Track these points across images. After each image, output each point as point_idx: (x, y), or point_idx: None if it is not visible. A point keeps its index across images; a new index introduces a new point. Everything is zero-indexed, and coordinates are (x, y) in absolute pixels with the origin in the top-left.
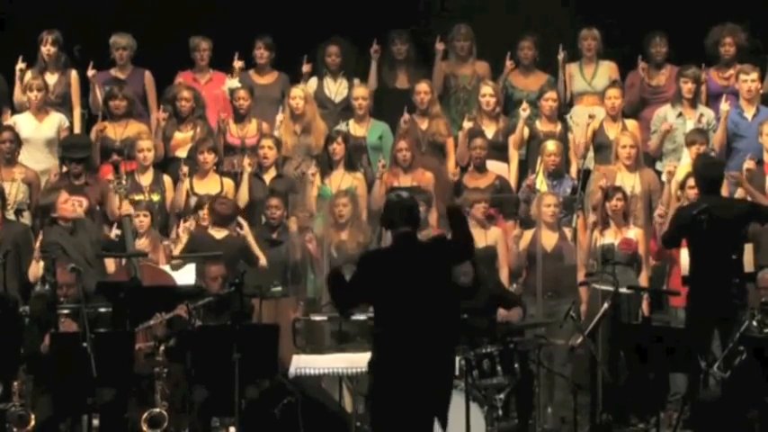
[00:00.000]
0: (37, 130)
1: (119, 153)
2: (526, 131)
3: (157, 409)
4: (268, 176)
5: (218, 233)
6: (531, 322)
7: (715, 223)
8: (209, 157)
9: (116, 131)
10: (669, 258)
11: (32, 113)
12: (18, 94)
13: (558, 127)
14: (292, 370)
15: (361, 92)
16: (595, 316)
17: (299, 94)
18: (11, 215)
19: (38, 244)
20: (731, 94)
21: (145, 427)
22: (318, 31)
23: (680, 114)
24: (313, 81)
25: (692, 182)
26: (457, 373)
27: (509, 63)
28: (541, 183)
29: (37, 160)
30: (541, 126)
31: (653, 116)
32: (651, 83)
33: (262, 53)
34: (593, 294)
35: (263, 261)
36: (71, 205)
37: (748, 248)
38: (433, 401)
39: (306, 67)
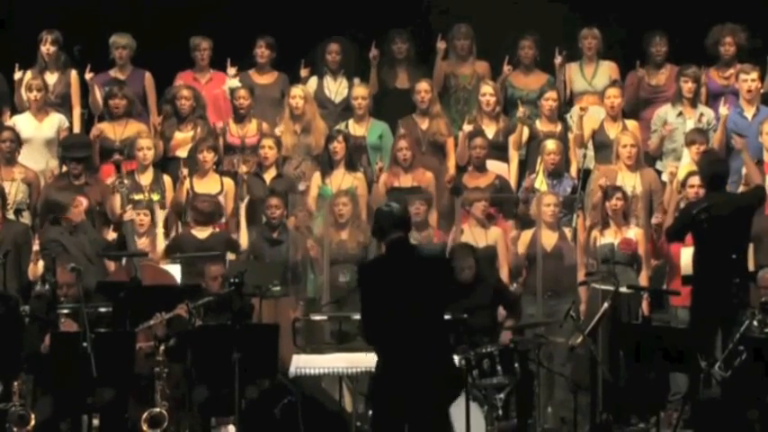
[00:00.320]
0: (37, 130)
1: (119, 153)
2: (526, 131)
3: (157, 409)
4: (268, 176)
5: (201, 232)
6: (531, 322)
7: (717, 222)
8: (208, 157)
9: (116, 131)
10: (667, 257)
11: (32, 114)
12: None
13: (558, 127)
14: (292, 370)
15: (361, 91)
16: (595, 316)
17: (299, 93)
18: (11, 215)
19: (36, 243)
20: (731, 94)
21: (145, 427)
22: (318, 31)
23: (680, 114)
24: (313, 81)
25: (692, 180)
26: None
27: (507, 68)
28: (541, 182)
29: (36, 160)
30: (541, 126)
31: (653, 116)
32: (651, 82)
33: (263, 52)
34: (593, 294)
35: (243, 243)
36: (81, 210)
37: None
38: (434, 401)
39: (304, 71)
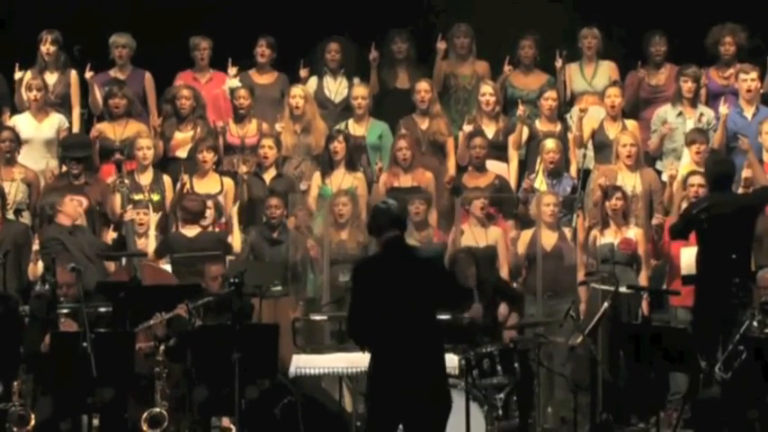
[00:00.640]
0: (37, 130)
1: (120, 152)
2: (526, 131)
3: (157, 409)
4: (268, 176)
5: (190, 231)
6: (531, 322)
7: (717, 221)
8: (208, 157)
9: (116, 131)
10: (667, 257)
11: (32, 114)
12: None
13: (558, 127)
14: (292, 370)
15: (361, 91)
16: (595, 316)
17: (299, 93)
18: (11, 215)
19: (36, 243)
20: (731, 94)
21: (145, 427)
22: (318, 31)
23: (680, 114)
24: (313, 81)
25: (692, 180)
26: (457, 372)
27: (507, 68)
28: (541, 182)
29: (36, 160)
30: (541, 126)
31: (653, 116)
32: (651, 82)
33: (263, 51)
34: (593, 294)
35: (236, 246)
36: (72, 209)
37: None
38: (425, 402)
39: (303, 72)
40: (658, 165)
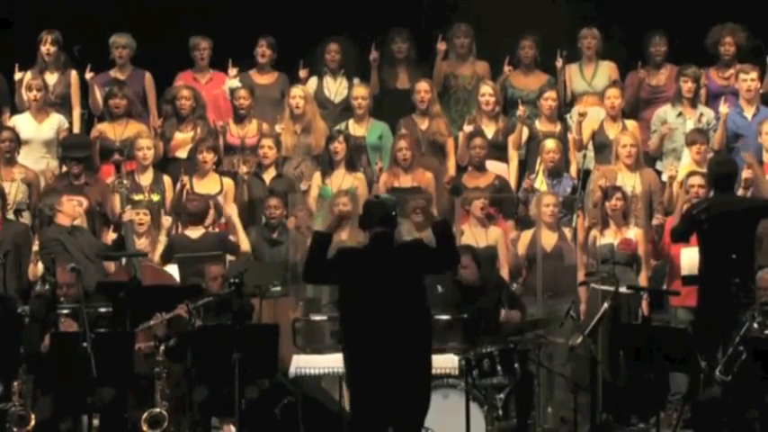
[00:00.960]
0: (37, 130)
1: (119, 153)
2: (525, 131)
3: (157, 409)
4: (268, 176)
5: (194, 232)
6: (531, 321)
7: (717, 222)
8: (208, 157)
9: (116, 131)
10: (668, 258)
11: (32, 114)
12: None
13: (558, 127)
14: (292, 370)
15: (361, 91)
16: (595, 316)
17: (299, 93)
18: (11, 215)
19: (36, 243)
20: (731, 94)
21: (145, 427)
22: (318, 31)
23: (680, 114)
24: (313, 81)
25: (692, 180)
26: (457, 372)
27: (507, 68)
28: (541, 183)
29: (36, 161)
30: (541, 126)
31: (653, 116)
32: (651, 83)
33: (264, 51)
34: (593, 294)
35: (244, 246)
36: (71, 209)
37: None
38: (407, 402)
39: (303, 72)
40: (658, 165)
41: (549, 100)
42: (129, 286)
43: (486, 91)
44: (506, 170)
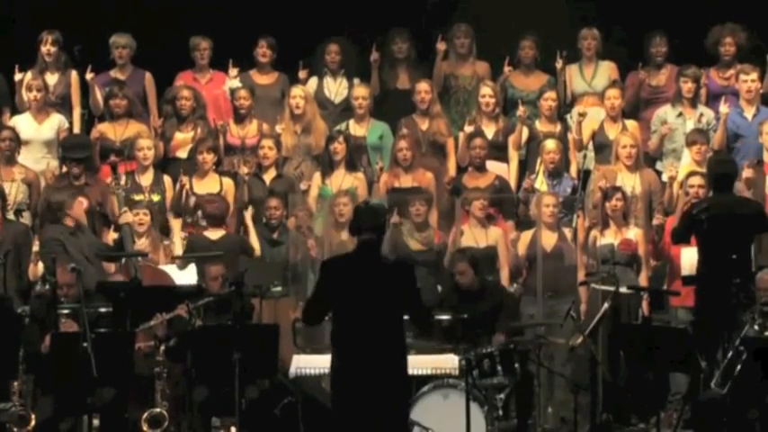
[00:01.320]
0: (37, 131)
1: (118, 153)
2: (525, 132)
3: (157, 409)
4: (268, 176)
5: (214, 234)
6: (530, 322)
7: (716, 222)
8: (208, 157)
9: (116, 131)
10: (668, 258)
11: (32, 114)
12: (20, 98)
13: (558, 127)
14: (292, 370)
15: (361, 92)
16: (595, 316)
17: (299, 93)
18: (11, 215)
19: (36, 243)
20: (731, 95)
21: (145, 427)
22: (318, 32)
23: (680, 114)
24: (313, 81)
25: (692, 181)
26: (457, 372)
27: (507, 68)
28: (541, 183)
29: (37, 161)
30: (541, 126)
31: (653, 116)
32: (651, 83)
33: (264, 51)
34: (593, 294)
35: (257, 251)
36: (80, 212)
37: None
38: (386, 405)
39: (302, 73)
40: (658, 165)
41: (549, 100)
42: (128, 286)
43: (487, 91)
44: (506, 170)
